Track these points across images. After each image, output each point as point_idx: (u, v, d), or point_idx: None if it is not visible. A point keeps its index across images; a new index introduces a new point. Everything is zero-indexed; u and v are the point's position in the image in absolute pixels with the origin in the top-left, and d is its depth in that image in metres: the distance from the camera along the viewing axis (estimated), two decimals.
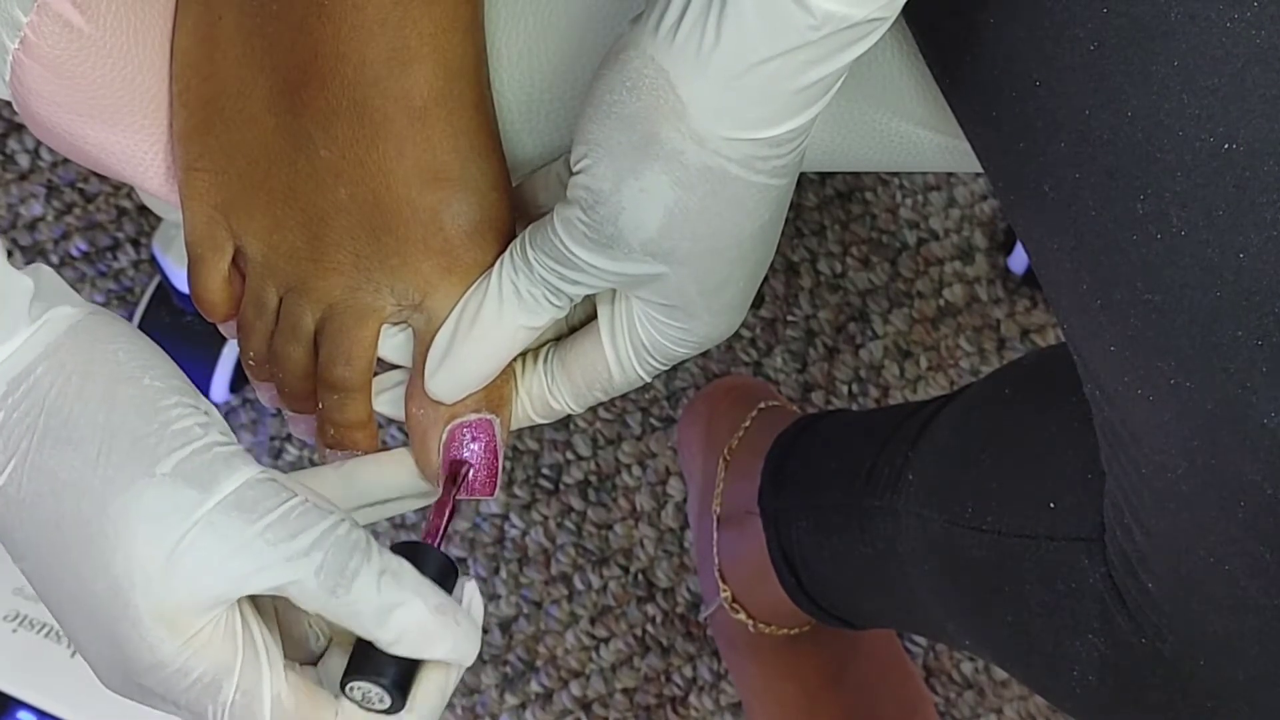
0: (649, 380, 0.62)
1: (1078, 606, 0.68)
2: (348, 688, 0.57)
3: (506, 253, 0.60)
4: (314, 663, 0.60)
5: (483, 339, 0.60)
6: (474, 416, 0.62)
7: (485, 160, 0.61)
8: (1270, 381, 0.56)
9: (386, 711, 0.57)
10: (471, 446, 0.62)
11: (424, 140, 0.59)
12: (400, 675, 0.57)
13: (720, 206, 0.56)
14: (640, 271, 0.57)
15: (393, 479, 0.63)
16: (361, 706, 0.57)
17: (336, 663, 0.59)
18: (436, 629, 0.56)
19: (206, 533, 0.53)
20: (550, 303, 0.59)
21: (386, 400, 0.64)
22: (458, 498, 0.63)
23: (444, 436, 0.62)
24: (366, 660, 0.57)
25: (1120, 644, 0.66)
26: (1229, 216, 0.55)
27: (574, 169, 0.57)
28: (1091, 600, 0.68)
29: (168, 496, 0.53)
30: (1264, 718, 0.64)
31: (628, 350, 0.61)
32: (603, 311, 0.62)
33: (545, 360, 0.64)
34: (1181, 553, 0.61)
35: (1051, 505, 0.71)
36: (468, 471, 0.62)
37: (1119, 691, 0.68)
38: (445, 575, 0.59)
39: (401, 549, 0.58)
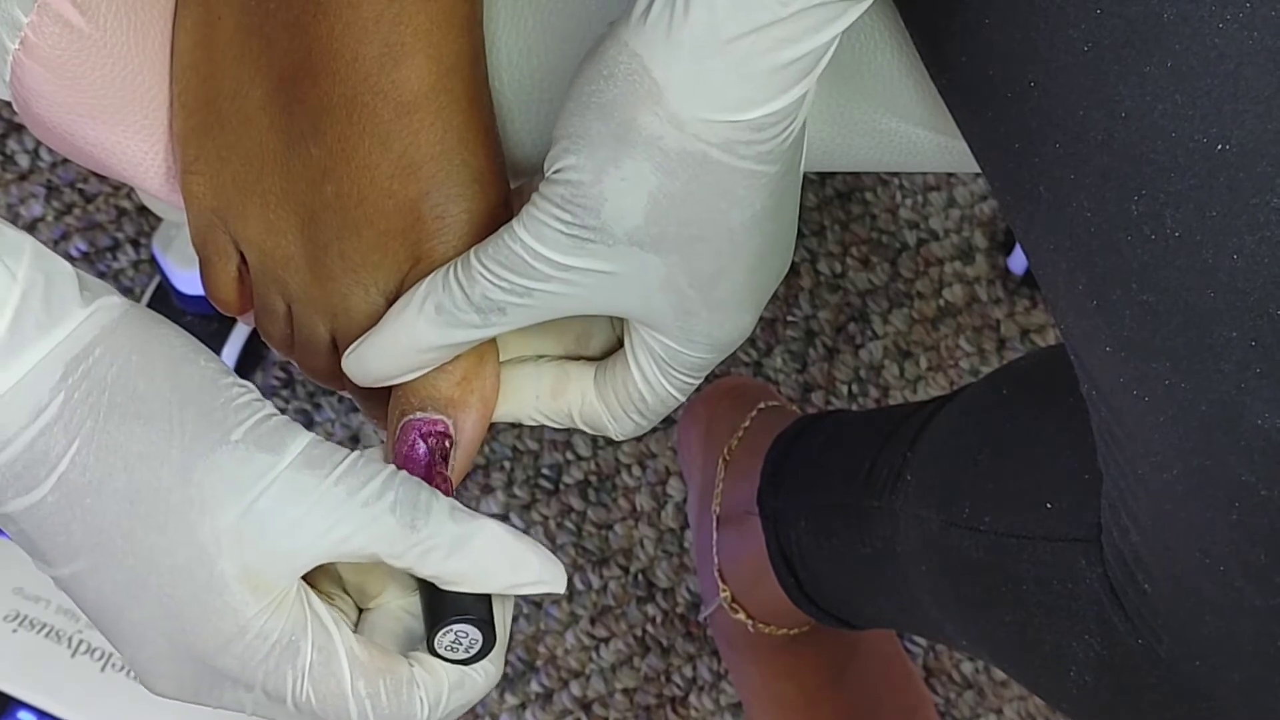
0: (680, 399, 0.61)
1: (1074, 607, 0.68)
2: (437, 638, 0.57)
3: (443, 268, 0.59)
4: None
5: (391, 343, 0.60)
6: (420, 415, 0.61)
7: (472, 155, 0.60)
8: (1264, 383, 0.56)
9: (473, 657, 0.57)
10: (421, 443, 0.61)
11: (409, 134, 0.59)
12: (487, 612, 0.57)
13: (705, 193, 0.55)
14: (617, 268, 0.56)
15: None
16: (449, 660, 0.57)
17: (381, 625, 0.59)
18: (520, 549, 0.56)
19: (285, 491, 0.54)
20: (477, 322, 0.58)
21: None
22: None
23: (397, 430, 0.62)
24: (446, 607, 0.57)
25: (1116, 644, 0.66)
26: (1222, 217, 0.55)
27: (551, 168, 0.56)
28: (1088, 601, 0.68)
29: (245, 461, 0.54)
30: (1259, 719, 0.64)
31: (650, 364, 0.60)
32: (628, 328, 0.61)
33: (594, 383, 0.63)
34: (1176, 554, 0.61)
35: (1048, 506, 0.71)
36: (448, 448, 0.62)
37: (1115, 692, 0.68)
38: None
39: None
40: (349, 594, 0.60)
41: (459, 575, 0.56)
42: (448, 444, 0.61)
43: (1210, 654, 0.63)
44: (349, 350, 0.61)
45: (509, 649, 1.17)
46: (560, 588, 0.57)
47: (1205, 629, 0.62)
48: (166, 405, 0.54)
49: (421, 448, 0.61)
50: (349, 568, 0.59)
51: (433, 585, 0.57)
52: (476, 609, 0.57)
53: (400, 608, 0.60)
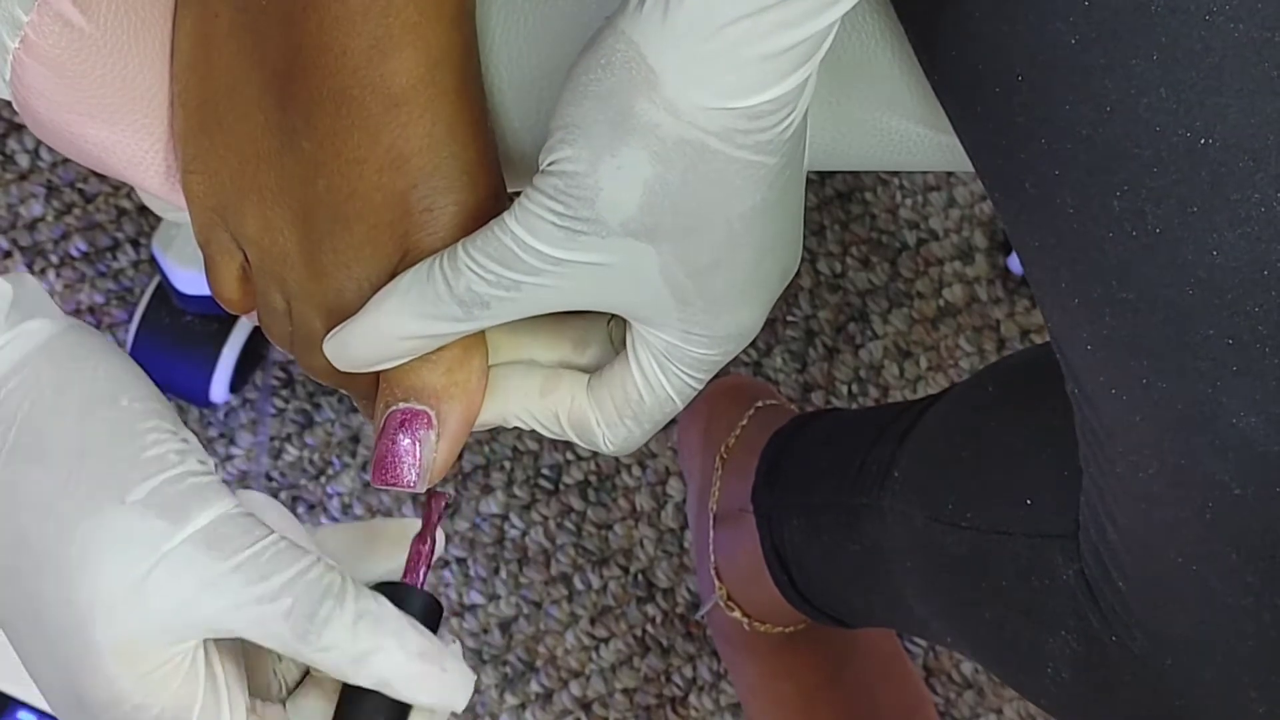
0: (678, 403, 0.60)
1: (1051, 603, 0.68)
2: None
3: (430, 258, 0.58)
4: (283, 700, 0.59)
5: (372, 330, 0.59)
6: (404, 405, 0.60)
7: (462, 148, 0.60)
8: (1241, 382, 0.55)
9: None
10: (403, 433, 0.61)
11: (399, 127, 0.59)
12: (399, 715, 0.56)
13: (702, 183, 0.54)
14: (611, 260, 0.56)
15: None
16: None
17: (312, 702, 0.58)
18: (419, 676, 0.55)
19: (175, 567, 0.52)
20: (459, 315, 0.57)
21: None
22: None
23: (381, 418, 0.61)
24: (357, 705, 0.56)
25: (1092, 641, 0.66)
26: (1203, 213, 0.54)
27: (546, 160, 0.55)
28: (1065, 597, 0.67)
29: (137, 526, 0.52)
30: (1232, 717, 0.64)
31: (650, 361, 0.60)
32: (628, 329, 0.60)
33: (588, 388, 0.62)
34: (1152, 552, 0.61)
35: (1029, 502, 0.70)
36: (445, 506, 0.61)
37: (1091, 688, 0.68)
38: (429, 615, 0.57)
39: (381, 589, 0.56)
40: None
41: (356, 681, 0.54)
42: (432, 438, 0.61)
43: (1183, 652, 0.63)
44: (331, 334, 0.60)
45: (508, 649, 1.18)
46: (459, 705, 0.55)
47: (1179, 627, 0.62)
48: (67, 452, 0.53)
49: (404, 440, 0.61)
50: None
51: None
52: (390, 713, 0.55)
53: (336, 686, 0.58)
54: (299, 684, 0.59)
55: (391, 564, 0.61)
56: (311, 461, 1.22)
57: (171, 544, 0.52)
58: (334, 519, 1.21)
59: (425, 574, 0.59)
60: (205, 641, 0.54)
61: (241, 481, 1.22)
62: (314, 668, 0.55)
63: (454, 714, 0.60)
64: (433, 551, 0.61)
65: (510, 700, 1.17)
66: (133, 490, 0.53)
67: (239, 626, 0.53)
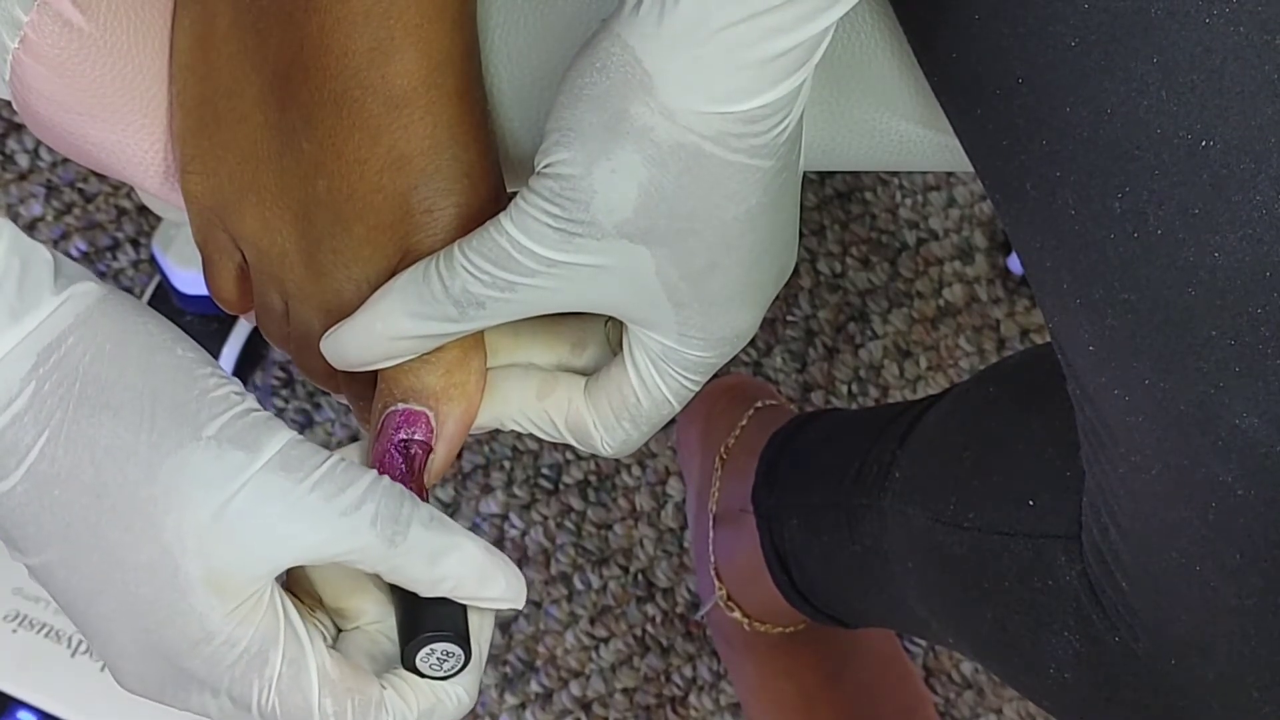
0: (675, 405, 0.60)
1: (1054, 604, 0.68)
2: (413, 653, 0.56)
3: (426, 259, 0.58)
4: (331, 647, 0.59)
5: (368, 329, 0.59)
6: (402, 406, 0.61)
7: (463, 149, 0.60)
8: (1243, 382, 0.55)
9: (450, 675, 0.57)
10: (401, 434, 0.61)
11: (400, 128, 0.59)
12: (463, 628, 0.57)
13: (697, 186, 0.54)
14: (606, 262, 0.56)
15: None
16: (427, 676, 0.57)
17: (361, 642, 0.58)
18: (492, 568, 0.56)
19: (257, 493, 0.53)
20: (455, 315, 0.58)
21: None
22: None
23: (379, 420, 0.61)
24: (422, 622, 0.56)
25: (1095, 641, 0.66)
26: (1204, 215, 0.54)
27: (542, 162, 0.55)
28: (1067, 598, 0.67)
29: (216, 459, 0.53)
30: (1234, 718, 0.64)
31: (646, 363, 0.60)
32: (625, 331, 0.60)
33: (585, 391, 0.62)
34: (1155, 552, 0.61)
35: (1030, 503, 0.70)
36: (419, 454, 0.61)
37: (1094, 689, 0.68)
38: None
39: None
40: (326, 612, 0.59)
41: (430, 585, 0.56)
42: (428, 445, 0.61)
43: (1186, 652, 0.63)
44: (328, 333, 0.60)
45: (508, 649, 1.18)
46: (519, 605, 0.57)
47: (1181, 627, 0.62)
48: (137, 397, 0.53)
49: (400, 440, 0.61)
50: (327, 590, 0.59)
51: (408, 598, 0.57)
52: (453, 624, 0.56)
53: (378, 630, 0.59)
54: (336, 636, 0.60)
55: None
56: None
57: (251, 471, 0.53)
58: None
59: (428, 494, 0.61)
60: (274, 582, 0.55)
61: None
62: (388, 576, 0.56)
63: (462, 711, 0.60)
64: (426, 496, 0.61)
65: (510, 700, 1.17)
66: (206, 426, 0.53)
67: (326, 540, 0.54)
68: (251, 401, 0.55)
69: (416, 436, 0.61)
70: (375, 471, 0.55)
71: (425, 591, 0.56)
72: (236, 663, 0.54)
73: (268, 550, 0.53)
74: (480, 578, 0.56)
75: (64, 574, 0.54)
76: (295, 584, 0.59)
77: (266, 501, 0.53)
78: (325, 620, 0.59)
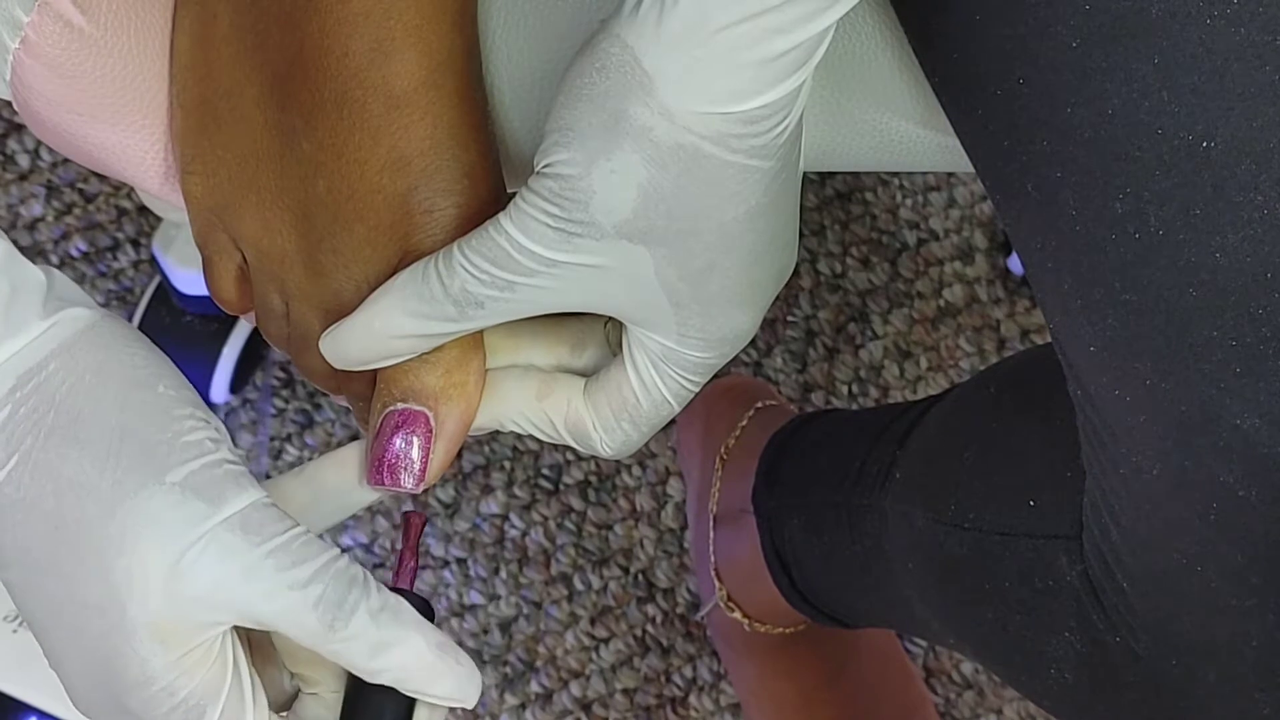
0: (675, 406, 0.60)
1: (1055, 604, 0.68)
2: None
3: (426, 258, 0.58)
4: (283, 715, 0.59)
5: (366, 328, 0.59)
6: (401, 406, 0.61)
7: (463, 150, 0.60)
8: (1244, 383, 0.55)
9: None
10: (400, 434, 0.61)
11: (400, 129, 0.59)
12: (408, 718, 0.56)
13: (696, 187, 0.54)
14: (605, 262, 0.56)
15: (352, 474, 0.63)
16: None
17: (313, 712, 0.58)
18: (439, 666, 0.55)
19: (212, 548, 0.53)
20: (454, 315, 0.58)
21: None
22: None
23: (378, 420, 0.61)
24: (362, 708, 0.56)
25: (1096, 642, 0.66)
26: (1206, 216, 0.54)
27: (541, 162, 0.55)
28: (1068, 598, 0.67)
29: (177, 506, 0.53)
30: (1235, 718, 0.64)
31: (646, 363, 0.60)
32: (625, 332, 0.60)
33: (584, 391, 0.62)
34: (1156, 553, 0.61)
35: (1031, 503, 0.70)
36: (424, 523, 0.62)
37: (1095, 689, 0.68)
38: (425, 617, 0.58)
39: None
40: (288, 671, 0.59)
41: (370, 675, 0.55)
42: (428, 442, 0.61)
43: (1187, 653, 0.63)
44: (327, 332, 0.60)
45: (508, 649, 1.18)
46: (469, 704, 0.56)
47: (1182, 628, 0.62)
48: (108, 433, 0.53)
49: (399, 441, 0.61)
50: (286, 654, 0.59)
51: (356, 680, 0.57)
52: (393, 714, 0.56)
53: (336, 700, 0.59)
54: (293, 699, 0.59)
55: (362, 491, 0.62)
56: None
57: (209, 525, 0.53)
58: None
59: (414, 575, 0.60)
60: (227, 634, 0.55)
61: None
62: (329, 659, 0.55)
63: (451, 715, 0.60)
64: (418, 557, 0.61)
65: (510, 700, 1.17)
66: (172, 471, 0.53)
67: (269, 612, 0.53)
68: (225, 451, 0.55)
69: (416, 436, 0.61)
70: (336, 550, 0.55)
71: (367, 679, 0.55)
72: (174, 710, 0.54)
73: (214, 606, 0.53)
74: (428, 674, 0.55)
75: (22, 594, 0.54)
76: (267, 638, 0.59)
77: (221, 559, 0.53)
78: (287, 682, 0.59)
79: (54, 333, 0.54)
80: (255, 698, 0.55)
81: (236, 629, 0.55)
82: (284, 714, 0.59)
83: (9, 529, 0.53)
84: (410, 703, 0.57)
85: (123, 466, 0.53)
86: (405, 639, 0.55)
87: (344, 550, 0.59)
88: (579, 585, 1.20)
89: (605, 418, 0.61)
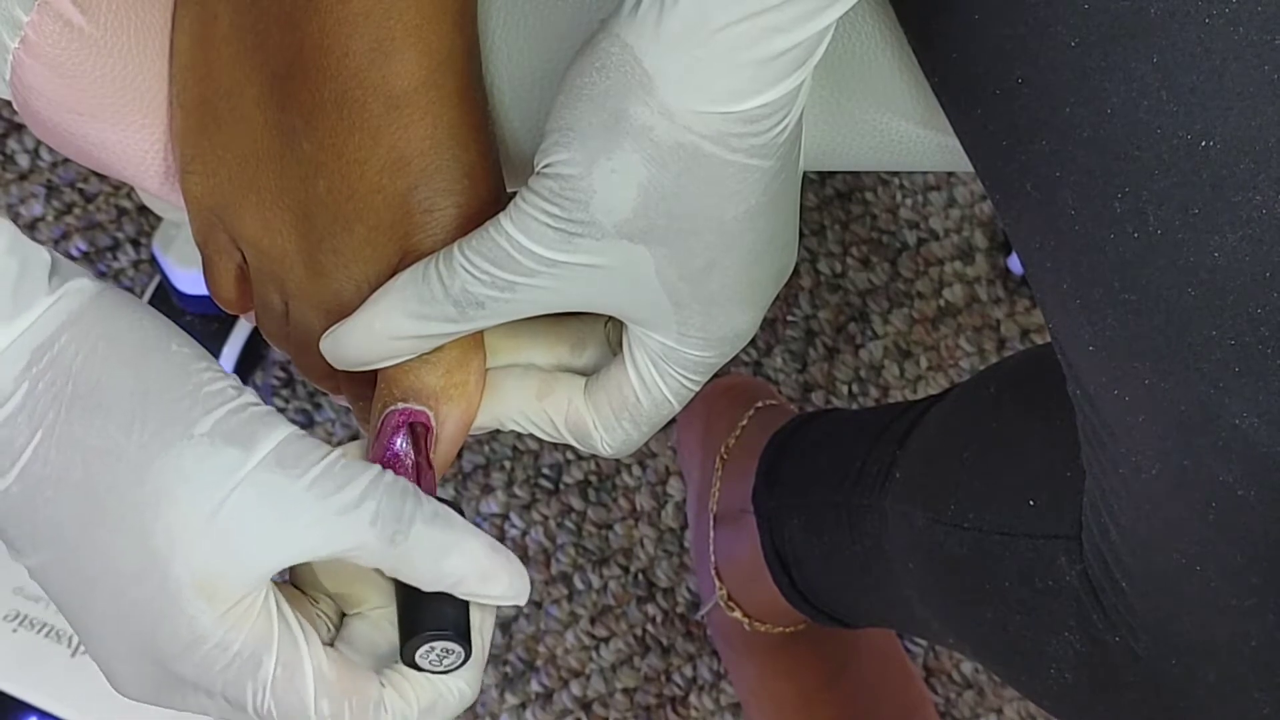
0: (675, 405, 0.60)
1: (1055, 604, 0.68)
2: (417, 653, 0.56)
3: (426, 258, 0.58)
4: (331, 642, 0.58)
5: (367, 329, 0.59)
6: (402, 406, 0.60)
7: (463, 149, 0.60)
8: (1243, 382, 0.55)
9: (450, 669, 0.56)
10: (400, 434, 0.61)
11: (400, 128, 0.59)
12: (464, 625, 0.56)
13: (696, 186, 0.54)
14: (605, 261, 0.56)
15: None
16: (428, 672, 0.56)
17: (363, 633, 0.58)
18: (494, 566, 0.55)
19: (252, 493, 0.52)
20: (454, 315, 0.57)
21: None
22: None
23: (378, 420, 0.61)
24: (422, 619, 0.56)
25: (1095, 642, 0.66)
26: (1205, 215, 0.54)
27: (541, 162, 0.55)
28: (1068, 598, 0.67)
29: (208, 457, 0.52)
30: (1235, 718, 0.64)
31: (646, 363, 0.60)
32: (625, 331, 0.61)
33: (585, 390, 0.62)
34: (1155, 553, 0.61)
35: (1031, 503, 0.70)
36: (429, 430, 0.61)
37: (1095, 689, 0.68)
38: None
39: None
40: (331, 598, 0.59)
41: (432, 583, 0.55)
42: (428, 438, 0.61)
43: (1187, 652, 0.63)
44: (327, 332, 0.60)
45: (508, 649, 1.18)
46: (521, 601, 0.56)
47: (1182, 627, 0.62)
48: (128, 396, 0.53)
49: (400, 440, 0.61)
50: (328, 577, 0.58)
51: (409, 593, 0.56)
52: (454, 621, 0.56)
53: (382, 615, 0.58)
54: (336, 629, 0.59)
55: None
56: None
57: (245, 469, 0.52)
58: None
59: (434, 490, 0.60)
60: (269, 584, 0.54)
61: None
62: (389, 574, 0.55)
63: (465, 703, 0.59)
64: (434, 475, 0.61)
65: (510, 700, 1.17)
66: (199, 424, 0.53)
67: (324, 540, 0.53)
68: (250, 396, 0.54)
69: (417, 430, 0.61)
70: (378, 467, 0.55)
71: (427, 587, 0.55)
72: (229, 666, 0.53)
73: (260, 554, 0.53)
74: (483, 575, 0.55)
75: (58, 576, 0.54)
76: (296, 573, 0.59)
77: (261, 502, 0.52)
78: (329, 609, 0.59)
79: (61, 305, 0.54)
80: (308, 637, 0.55)
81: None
82: (333, 646, 0.58)
83: (40, 507, 0.53)
84: (465, 605, 0.57)
85: (149, 429, 0.52)
86: (463, 541, 0.55)
87: None
88: (579, 584, 1.20)
89: (606, 417, 0.61)
